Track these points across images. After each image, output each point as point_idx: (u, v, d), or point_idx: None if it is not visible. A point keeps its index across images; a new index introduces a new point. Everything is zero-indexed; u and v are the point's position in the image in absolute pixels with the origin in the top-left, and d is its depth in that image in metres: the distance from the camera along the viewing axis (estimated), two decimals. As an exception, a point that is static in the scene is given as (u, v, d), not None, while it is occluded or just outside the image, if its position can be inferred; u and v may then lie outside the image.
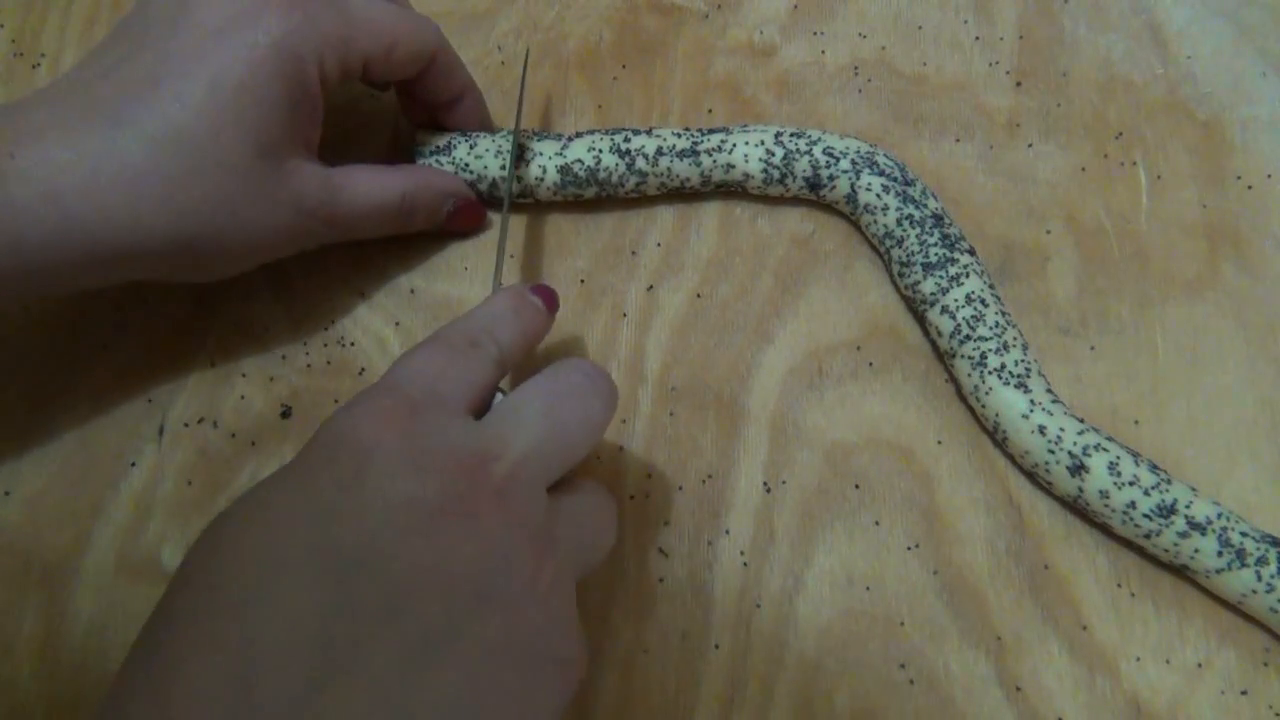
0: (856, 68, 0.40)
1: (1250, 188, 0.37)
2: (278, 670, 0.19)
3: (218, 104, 0.28)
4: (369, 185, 0.32)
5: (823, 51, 0.40)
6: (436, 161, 0.36)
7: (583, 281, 0.36)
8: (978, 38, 0.40)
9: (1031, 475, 0.32)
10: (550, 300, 0.31)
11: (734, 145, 0.36)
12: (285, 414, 0.34)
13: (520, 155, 0.36)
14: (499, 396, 0.27)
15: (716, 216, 0.37)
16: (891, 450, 0.33)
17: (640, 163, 0.35)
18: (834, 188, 0.35)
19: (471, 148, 0.36)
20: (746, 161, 0.35)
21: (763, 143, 0.36)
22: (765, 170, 0.35)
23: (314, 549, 0.21)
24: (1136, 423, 0.34)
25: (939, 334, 0.34)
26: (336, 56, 0.30)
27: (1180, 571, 0.31)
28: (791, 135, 0.36)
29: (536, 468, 0.24)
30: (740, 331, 0.35)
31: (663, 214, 0.37)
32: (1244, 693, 0.30)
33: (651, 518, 0.33)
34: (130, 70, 0.28)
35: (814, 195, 0.36)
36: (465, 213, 0.36)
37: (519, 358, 0.28)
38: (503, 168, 0.35)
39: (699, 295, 0.36)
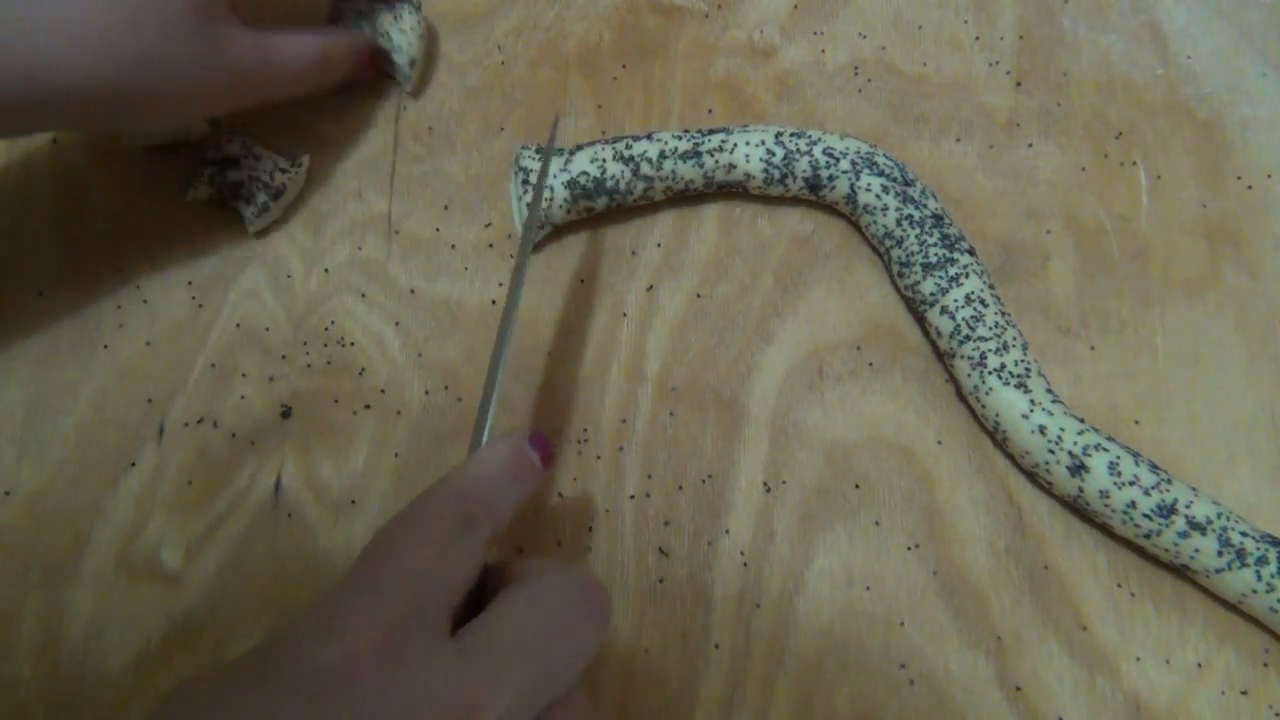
0: (856, 68, 0.40)
1: (1250, 188, 0.37)
2: None
3: None
4: (294, 46, 0.34)
5: (823, 51, 0.40)
6: (357, 25, 0.38)
7: (582, 281, 0.36)
8: (978, 38, 0.40)
9: (1032, 475, 0.32)
10: (548, 456, 0.28)
11: (735, 145, 0.36)
12: (285, 414, 0.34)
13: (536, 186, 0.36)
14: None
15: (716, 217, 0.37)
16: (891, 450, 0.33)
17: (645, 168, 0.35)
18: (834, 188, 0.35)
19: (396, 19, 0.38)
20: (748, 161, 0.35)
21: (763, 143, 0.36)
22: (766, 170, 0.35)
23: None
24: (1136, 423, 0.34)
25: (939, 334, 0.34)
26: None
27: (1180, 572, 0.31)
28: (792, 135, 0.36)
29: (522, 714, 0.23)
30: (740, 331, 0.35)
31: (663, 214, 0.37)
32: (1244, 693, 0.30)
33: (651, 518, 0.33)
34: None
35: (814, 195, 0.36)
36: (367, 63, 0.38)
37: (507, 525, 0.26)
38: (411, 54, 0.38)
39: (699, 295, 0.36)
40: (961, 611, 0.31)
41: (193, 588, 0.31)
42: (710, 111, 0.39)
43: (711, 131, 0.36)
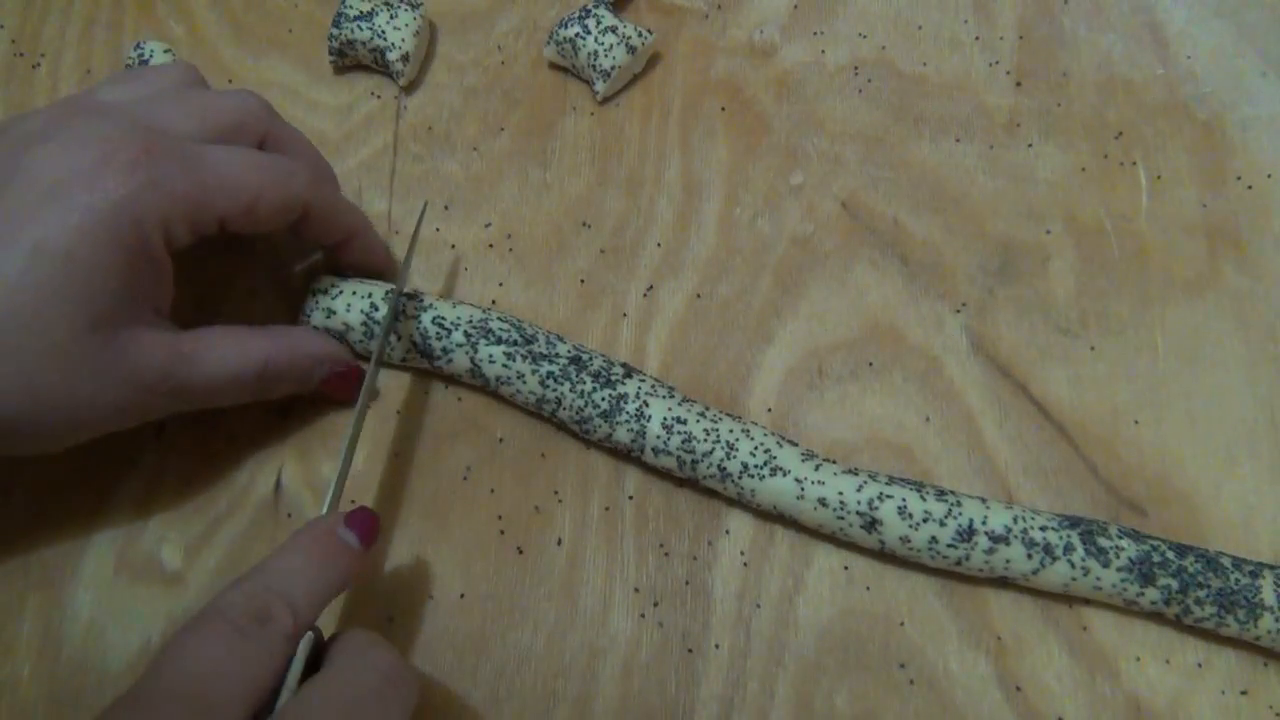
0: (856, 68, 0.40)
1: (1250, 188, 0.37)
2: None
3: (41, 275, 0.25)
4: (226, 352, 0.29)
5: (823, 51, 0.40)
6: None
7: (583, 281, 0.36)
8: (978, 38, 0.40)
9: (832, 539, 0.32)
10: (368, 533, 0.27)
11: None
12: (285, 414, 0.34)
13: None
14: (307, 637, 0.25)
15: (716, 217, 0.37)
16: (891, 450, 0.33)
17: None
18: (450, 361, 0.32)
19: (392, 16, 0.38)
20: (348, 311, 0.33)
21: (355, 293, 0.33)
22: (366, 326, 0.33)
23: None
24: (1136, 423, 0.34)
25: (668, 473, 0.32)
26: (187, 219, 0.27)
27: (1004, 583, 0.31)
28: (407, 297, 0.33)
29: None
30: (740, 331, 0.35)
31: (663, 214, 0.37)
32: (1244, 693, 0.30)
33: (651, 517, 0.33)
34: None
35: (431, 366, 0.33)
36: (338, 381, 0.32)
37: (317, 616, 0.25)
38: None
39: (699, 295, 0.36)
40: (961, 611, 0.31)
41: (193, 588, 0.31)
42: (723, 109, 0.39)
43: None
